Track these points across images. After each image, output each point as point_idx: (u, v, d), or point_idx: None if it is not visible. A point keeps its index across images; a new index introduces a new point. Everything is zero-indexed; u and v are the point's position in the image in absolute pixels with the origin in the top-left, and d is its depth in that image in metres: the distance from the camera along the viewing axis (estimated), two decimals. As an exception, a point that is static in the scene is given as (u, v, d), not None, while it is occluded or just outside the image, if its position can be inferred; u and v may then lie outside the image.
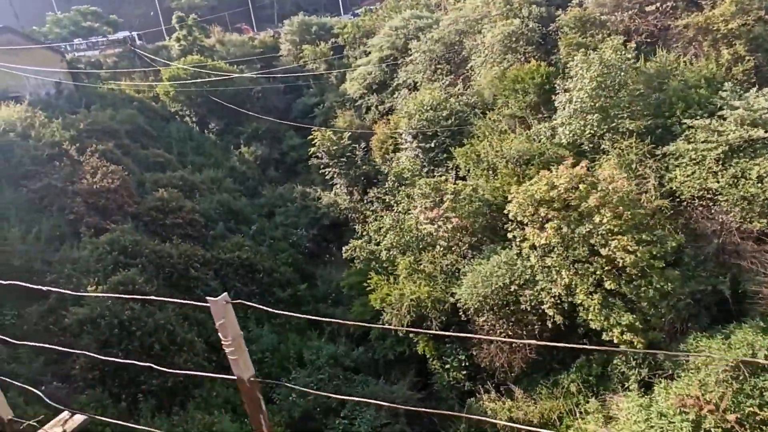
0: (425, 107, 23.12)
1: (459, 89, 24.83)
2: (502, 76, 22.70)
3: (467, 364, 17.04)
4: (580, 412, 14.83)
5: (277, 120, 33.57)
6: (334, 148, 26.22)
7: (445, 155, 22.62)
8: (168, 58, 36.98)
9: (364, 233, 21.47)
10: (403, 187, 20.33)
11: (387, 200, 24.63)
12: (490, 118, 22.17)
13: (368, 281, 19.38)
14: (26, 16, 41.83)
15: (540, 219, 14.58)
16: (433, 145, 22.70)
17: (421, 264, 18.44)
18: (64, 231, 17.71)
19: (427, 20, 30.81)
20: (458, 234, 17.63)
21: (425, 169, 23.22)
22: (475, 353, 16.99)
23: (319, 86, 37.96)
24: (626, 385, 14.22)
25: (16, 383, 7.45)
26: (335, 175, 27.15)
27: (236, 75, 32.90)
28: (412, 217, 19.13)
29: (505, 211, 15.84)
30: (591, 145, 17.61)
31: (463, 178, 21.08)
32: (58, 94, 29.63)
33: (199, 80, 31.89)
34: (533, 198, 14.72)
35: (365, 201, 26.42)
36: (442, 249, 18.01)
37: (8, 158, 18.79)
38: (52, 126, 21.59)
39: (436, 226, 17.82)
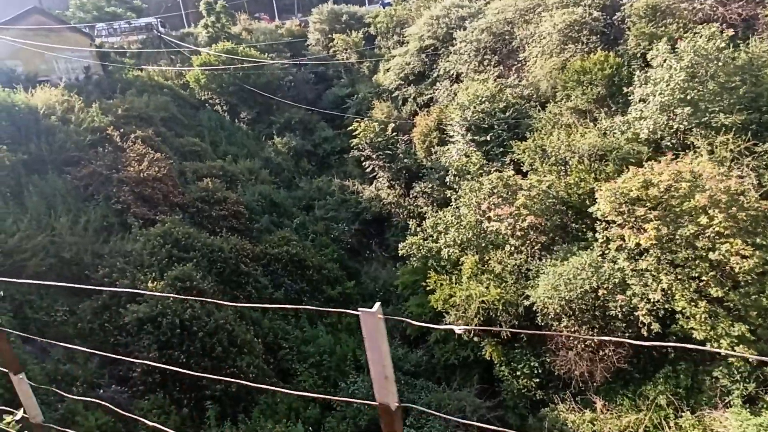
0: (480, 99, 22.02)
1: (512, 81, 23.67)
2: (563, 68, 21.63)
3: (539, 371, 16.05)
4: (670, 427, 13.84)
5: (312, 109, 32.48)
6: (379, 140, 25.11)
7: (501, 149, 21.54)
8: (195, 45, 35.78)
9: (419, 230, 20.37)
10: (465, 182, 19.20)
11: (436, 195, 23.61)
12: (550, 112, 21.06)
13: (427, 280, 18.37)
14: (48, 1, 40.64)
15: (635, 219, 13.53)
16: (489, 138, 21.61)
17: (488, 264, 17.41)
18: (112, 221, 16.64)
19: (469, 9, 29.62)
20: (530, 233, 16.57)
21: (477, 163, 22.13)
22: (548, 360, 16.00)
23: (350, 77, 36.81)
24: (727, 400, 13.21)
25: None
26: (377, 168, 26.05)
27: (271, 62, 31.70)
28: (476, 213, 18.04)
29: (591, 210, 14.81)
30: (674, 141, 16.53)
31: (523, 174, 20.00)
32: (86, 80, 28.48)
33: (231, 67, 30.71)
34: (627, 196, 13.67)
35: (410, 196, 25.36)
36: (511, 248, 16.96)
37: (50, 143, 17.68)
38: (91, 111, 20.47)
39: (506, 224, 16.76)
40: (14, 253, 13.58)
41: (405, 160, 26.14)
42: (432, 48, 30.17)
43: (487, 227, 17.66)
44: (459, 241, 17.98)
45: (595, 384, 15.15)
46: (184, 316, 13.42)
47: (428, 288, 18.32)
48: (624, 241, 13.65)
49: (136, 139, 19.54)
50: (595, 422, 14.45)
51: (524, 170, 20.03)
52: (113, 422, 11.97)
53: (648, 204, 13.58)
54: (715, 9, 18.23)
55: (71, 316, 13.61)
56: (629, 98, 18.25)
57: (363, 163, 26.91)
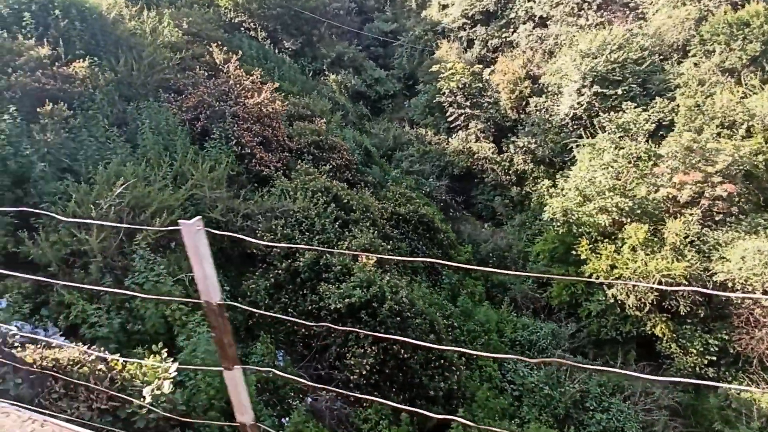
0: (610, 47, 19.71)
1: (634, 29, 21.44)
2: (703, 18, 19.74)
3: (715, 348, 15.10)
4: None
5: (376, 36, 28.34)
6: (477, 85, 22.19)
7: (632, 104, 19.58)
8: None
9: (553, 192, 18.30)
10: (618, 140, 17.16)
11: (540, 153, 21.48)
12: (690, 68, 19.28)
13: (577, 249, 16.57)
14: None
15: None
16: (619, 92, 19.53)
17: (658, 234, 15.83)
18: (239, 169, 12.85)
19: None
20: (718, 203, 15.10)
21: (599, 119, 20.13)
22: (726, 337, 15.05)
23: (393, 10, 32.64)
24: None
25: None
26: (467, 118, 23.24)
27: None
28: (641, 178, 16.22)
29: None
30: None
31: (661, 135, 18.33)
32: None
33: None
34: None
35: (504, 150, 23.03)
36: (692, 218, 15.44)
37: (138, 60, 13.11)
38: (163, 22, 15.66)
39: (688, 190, 15.14)
40: (156, 214, 9.84)
41: (491, 111, 23.56)
42: (509, -17, 26.93)
43: (656, 194, 16.00)
44: (619, 208, 16.17)
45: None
46: (399, 295, 10.60)
47: (579, 257, 16.58)
48: None
49: (236, 62, 15.22)
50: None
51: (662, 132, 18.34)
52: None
53: None
54: None
55: (231, 299, 10.31)
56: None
57: (446, 111, 23.90)
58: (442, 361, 11.19)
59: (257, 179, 13.24)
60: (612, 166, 16.87)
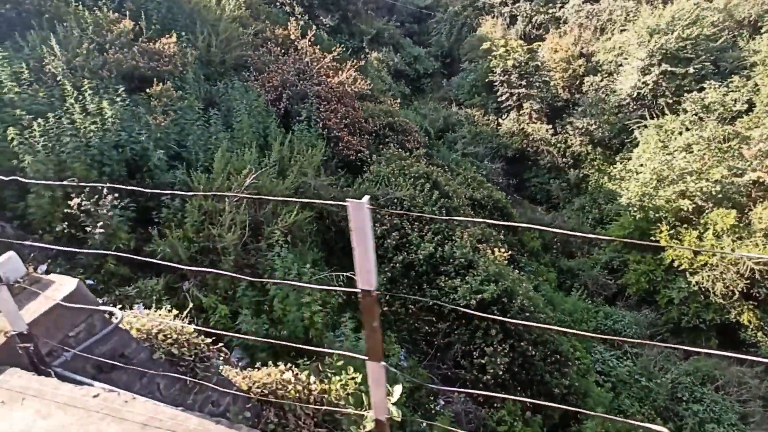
0: (681, 23, 18.81)
1: (701, 3, 20.48)
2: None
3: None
4: None
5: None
6: (534, 63, 21.26)
7: (699, 86, 18.80)
8: None
9: (625, 175, 17.63)
10: (701, 122, 16.43)
11: (599, 135, 20.73)
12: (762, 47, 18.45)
13: (657, 234, 16.01)
14: None
15: None
16: (691, 70, 18.71)
17: (745, 219, 15.27)
18: (327, 154, 12.00)
19: None
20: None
21: (667, 98, 19.38)
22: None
23: (427, -16, 31.28)
24: None
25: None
26: (521, 99, 22.36)
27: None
28: (725, 158, 15.55)
29: None
30: None
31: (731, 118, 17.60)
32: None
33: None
34: None
35: (558, 132, 22.25)
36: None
37: (214, 36, 12.06)
38: (226, -5, 14.54)
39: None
40: (276, 205, 9.04)
41: (544, 90, 22.69)
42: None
43: (740, 178, 15.37)
44: (702, 192, 15.56)
45: None
46: (526, 292, 9.96)
47: (656, 243, 16.04)
48: None
49: (312, 38, 14.20)
50: None
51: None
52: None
53: None
54: None
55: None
56: None
57: (497, 90, 22.99)
58: (558, 356, 10.64)
59: (345, 164, 12.43)
60: (692, 149, 16.19)
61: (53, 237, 7.12)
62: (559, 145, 21.88)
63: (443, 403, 9.11)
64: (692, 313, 15.60)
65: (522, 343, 9.58)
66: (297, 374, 5.12)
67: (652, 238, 16.18)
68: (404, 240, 10.25)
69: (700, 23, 18.84)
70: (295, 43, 14.04)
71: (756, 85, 17.16)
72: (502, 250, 9.83)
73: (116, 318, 3.27)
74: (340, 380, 5.34)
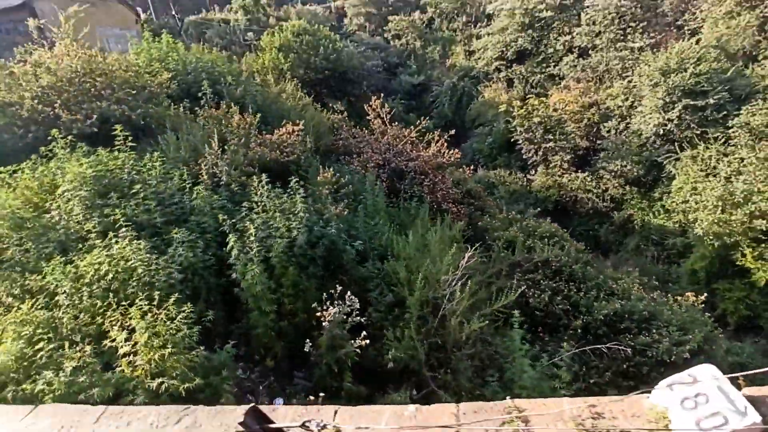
0: (691, 61, 20.20)
1: (692, 44, 22.18)
2: (763, 24, 20.78)
3: None
4: None
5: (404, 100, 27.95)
6: (555, 117, 22.00)
7: (721, 114, 19.84)
8: (228, 33, 28.90)
9: (680, 207, 17.78)
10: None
11: (632, 175, 21.25)
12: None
13: (742, 258, 15.88)
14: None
15: None
16: (711, 101, 19.79)
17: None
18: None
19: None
20: None
21: (693, 130, 20.26)
22: None
23: (417, 63, 32.88)
24: None
25: None
26: (547, 153, 22.84)
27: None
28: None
29: None
30: None
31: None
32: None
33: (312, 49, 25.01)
34: None
35: (588, 179, 22.63)
36: None
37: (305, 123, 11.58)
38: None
39: None
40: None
41: (566, 142, 23.38)
42: (541, 21, 27.75)
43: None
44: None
45: None
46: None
47: (742, 266, 15.88)
48: None
49: (388, 114, 13.95)
50: None
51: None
52: None
53: None
54: None
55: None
56: None
57: (521, 149, 23.49)
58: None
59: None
60: (749, 170, 16.62)
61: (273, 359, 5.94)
62: (596, 190, 22.15)
63: None
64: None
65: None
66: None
67: (738, 262, 16.03)
68: (571, 304, 9.43)
69: (706, 59, 20.30)
70: (376, 121, 13.76)
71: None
72: (689, 294, 9.09)
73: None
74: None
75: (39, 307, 5.18)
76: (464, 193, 14.56)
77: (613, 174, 21.82)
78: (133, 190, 6.50)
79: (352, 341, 5.61)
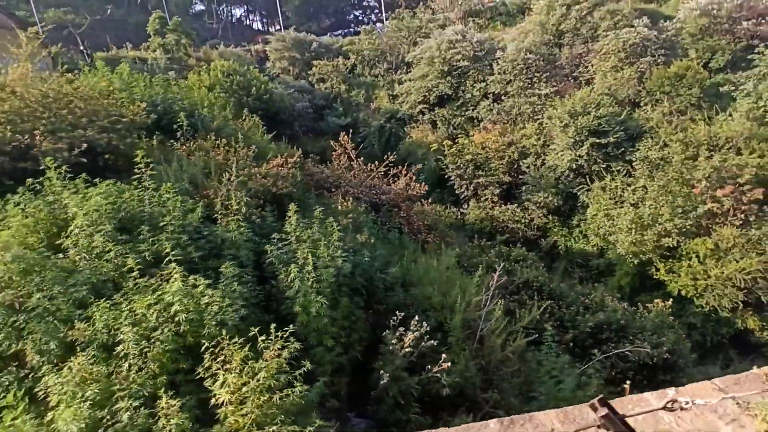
0: (592, 105, 23.44)
1: (590, 92, 25.76)
2: (641, 77, 24.86)
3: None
4: None
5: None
6: (484, 155, 23.93)
7: (620, 150, 23.11)
8: (150, 72, 27.62)
9: (597, 231, 20.12)
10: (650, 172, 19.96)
11: (552, 205, 23.66)
12: (653, 112, 23.81)
13: (656, 273, 18.30)
14: None
15: None
16: (611, 139, 22.99)
17: (716, 242, 18.39)
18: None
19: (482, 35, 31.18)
20: (753, 205, 18.35)
21: (600, 164, 23.28)
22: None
23: (343, 106, 33.85)
24: None
25: None
26: (477, 188, 24.60)
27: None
28: (685, 198, 18.95)
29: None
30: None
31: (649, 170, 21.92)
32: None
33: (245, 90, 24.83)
34: None
35: (517, 210, 24.70)
36: (737, 222, 18.37)
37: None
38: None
39: (728, 201, 18.19)
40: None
41: (491, 176, 25.46)
42: (457, 70, 30.35)
43: (697, 211, 18.79)
44: (678, 228, 18.54)
45: None
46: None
47: (658, 280, 18.29)
48: None
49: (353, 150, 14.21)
50: None
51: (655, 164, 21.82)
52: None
53: None
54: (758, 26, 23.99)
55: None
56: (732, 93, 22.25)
57: (453, 185, 25.06)
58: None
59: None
60: (651, 196, 19.44)
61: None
62: (524, 220, 24.16)
63: None
64: (711, 332, 17.67)
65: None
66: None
67: (654, 276, 18.41)
68: (556, 319, 10.24)
69: (604, 104, 23.71)
70: (343, 156, 14.00)
71: (665, 143, 21.70)
72: (657, 301, 10.36)
73: None
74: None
75: (91, 361, 4.64)
76: (432, 224, 15.19)
77: (537, 205, 24.04)
78: (163, 223, 6.09)
79: (424, 368, 5.67)
